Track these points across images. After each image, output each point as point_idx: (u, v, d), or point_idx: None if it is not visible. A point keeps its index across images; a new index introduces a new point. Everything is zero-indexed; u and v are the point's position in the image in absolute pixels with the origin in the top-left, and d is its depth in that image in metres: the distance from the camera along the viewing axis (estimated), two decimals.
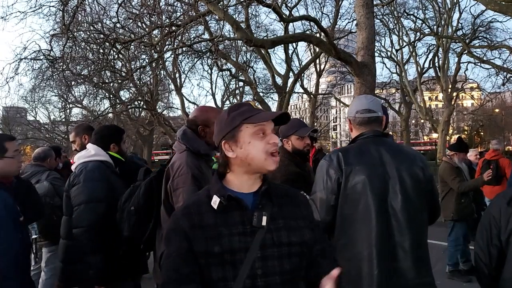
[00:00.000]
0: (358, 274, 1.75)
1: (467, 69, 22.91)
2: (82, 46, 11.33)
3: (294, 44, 18.70)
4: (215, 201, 1.20)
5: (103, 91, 18.45)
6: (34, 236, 3.03)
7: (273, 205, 1.25)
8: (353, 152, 1.87)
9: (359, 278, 1.75)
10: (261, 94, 19.59)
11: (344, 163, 1.81)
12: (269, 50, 16.25)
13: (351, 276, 1.74)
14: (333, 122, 62.97)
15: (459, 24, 20.12)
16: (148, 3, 9.31)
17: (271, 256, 1.19)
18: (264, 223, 1.19)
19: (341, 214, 1.82)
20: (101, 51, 11.07)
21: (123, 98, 20.41)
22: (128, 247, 2.22)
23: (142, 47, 11.41)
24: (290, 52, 19.80)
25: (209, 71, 23.14)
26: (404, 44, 21.77)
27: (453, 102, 21.16)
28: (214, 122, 2.05)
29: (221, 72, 21.44)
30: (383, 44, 23.00)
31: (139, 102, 19.47)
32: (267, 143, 1.22)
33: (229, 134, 1.23)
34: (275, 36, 15.21)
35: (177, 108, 23.27)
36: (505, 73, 17.80)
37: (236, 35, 7.88)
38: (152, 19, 9.56)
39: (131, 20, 10.73)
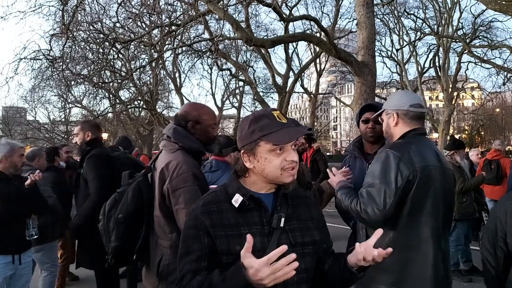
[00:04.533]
0: (422, 274, 1.72)
1: (467, 69, 22.96)
2: (82, 46, 11.32)
3: (294, 43, 18.72)
4: (237, 199, 1.21)
5: (103, 91, 18.41)
6: (35, 236, 3.02)
7: (288, 206, 1.28)
8: (419, 149, 1.78)
9: (422, 278, 1.72)
10: (261, 93, 19.61)
11: (417, 161, 1.72)
12: (269, 49, 16.25)
13: (414, 275, 1.72)
14: (333, 122, 62.96)
15: (460, 24, 20.17)
16: (148, 2, 9.30)
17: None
18: (282, 224, 1.22)
19: (409, 213, 1.72)
20: (101, 50, 11.07)
21: (123, 98, 20.46)
22: (117, 257, 2.03)
23: (142, 46, 11.42)
24: (290, 51, 19.85)
25: (209, 70, 23.28)
26: (405, 43, 21.78)
27: (453, 102, 21.15)
28: (205, 119, 2.00)
29: (221, 72, 21.47)
30: (383, 44, 23.09)
31: (139, 102, 19.48)
32: (284, 159, 1.21)
33: (247, 147, 1.22)
34: (275, 35, 15.20)
35: (177, 108, 23.25)
36: (505, 73, 17.80)
37: (236, 35, 7.87)
38: (152, 18, 9.57)
39: (130, 20, 10.74)
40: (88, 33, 11.05)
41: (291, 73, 19.05)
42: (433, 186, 1.74)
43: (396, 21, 21.37)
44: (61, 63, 10.41)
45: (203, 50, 12.56)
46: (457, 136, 24.82)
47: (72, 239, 2.90)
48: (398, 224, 1.73)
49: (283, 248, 0.99)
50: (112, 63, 13.42)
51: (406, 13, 20.15)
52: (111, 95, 19.77)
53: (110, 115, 20.43)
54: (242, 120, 1.31)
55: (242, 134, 1.25)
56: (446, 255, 1.82)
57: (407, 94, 2.04)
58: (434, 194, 1.74)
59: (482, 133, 37.64)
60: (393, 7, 19.67)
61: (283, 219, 1.22)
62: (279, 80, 18.62)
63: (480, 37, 19.40)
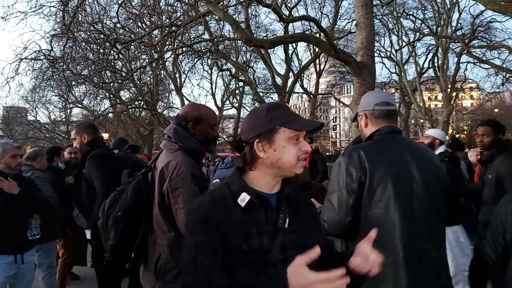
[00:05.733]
0: (383, 278, 1.63)
1: (466, 69, 23.12)
2: (83, 46, 11.38)
3: (293, 44, 18.76)
4: (243, 198, 1.18)
5: (104, 91, 18.46)
6: (37, 236, 3.06)
7: (290, 207, 1.25)
8: (375, 150, 1.74)
9: (384, 282, 1.64)
10: (261, 94, 19.64)
11: (367, 161, 1.67)
12: (269, 50, 16.28)
13: (390, 279, 1.64)
14: (333, 122, 62.98)
15: (459, 24, 20.22)
16: (148, 3, 9.35)
17: (291, 258, 1.17)
18: (286, 224, 1.20)
19: (365, 216, 1.67)
20: (102, 51, 11.13)
21: (124, 98, 20.45)
22: (115, 255, 2.04)
23: (142, 47, 11.44)
24: (290, 52, 19.93)
25: (209, 71, 23.35)
26: (404, 44, 21.82)
27: (452, 102, 21.21)
28: (205, 120, 2.03)
29: (221, 72, 21.55)
30: (382, 44, 23.09)
31: (139, 102, 19.49)
32: (300, 149, 1.21)
33: (264, 134, 1.19)
34: (275, 36, 15.23)
35: (177, 108, 23.28)
36: (504, 73, 17.78)
37: (236, 35, 7.89)
38: (152, 19, 9.59)
39: (131, 20, 10.80)
40: (88, 33, 11.10)
41: (290, 74, 19.11)
42: (396, 185, 1.65)
43: (395, 22, 21.41)
44: (62, 63, 10.46)
45: (203, 50, 12.59)
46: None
47: (97, 241, 2.92)
48: (361, 228, 1.68)
49: (342, 272, 0.95)
50: (112, 63, 13.48)
51: (405, 14, 20.17)
52: (111, 95, 19.81)
53: (110, 115, 20.47)
54: (253, 111, 1.29)
55: (257, 122, 1.21)
56: (431, 255, 1.70)
57: (373, 93, 2.01)
58: (401, 193, 1.66)
59: None
60: (392, 8, 19.71)
61: (287, 220, 1.19)
62: (278, 81, 18.69)
63: (479, 37, 19.40)
